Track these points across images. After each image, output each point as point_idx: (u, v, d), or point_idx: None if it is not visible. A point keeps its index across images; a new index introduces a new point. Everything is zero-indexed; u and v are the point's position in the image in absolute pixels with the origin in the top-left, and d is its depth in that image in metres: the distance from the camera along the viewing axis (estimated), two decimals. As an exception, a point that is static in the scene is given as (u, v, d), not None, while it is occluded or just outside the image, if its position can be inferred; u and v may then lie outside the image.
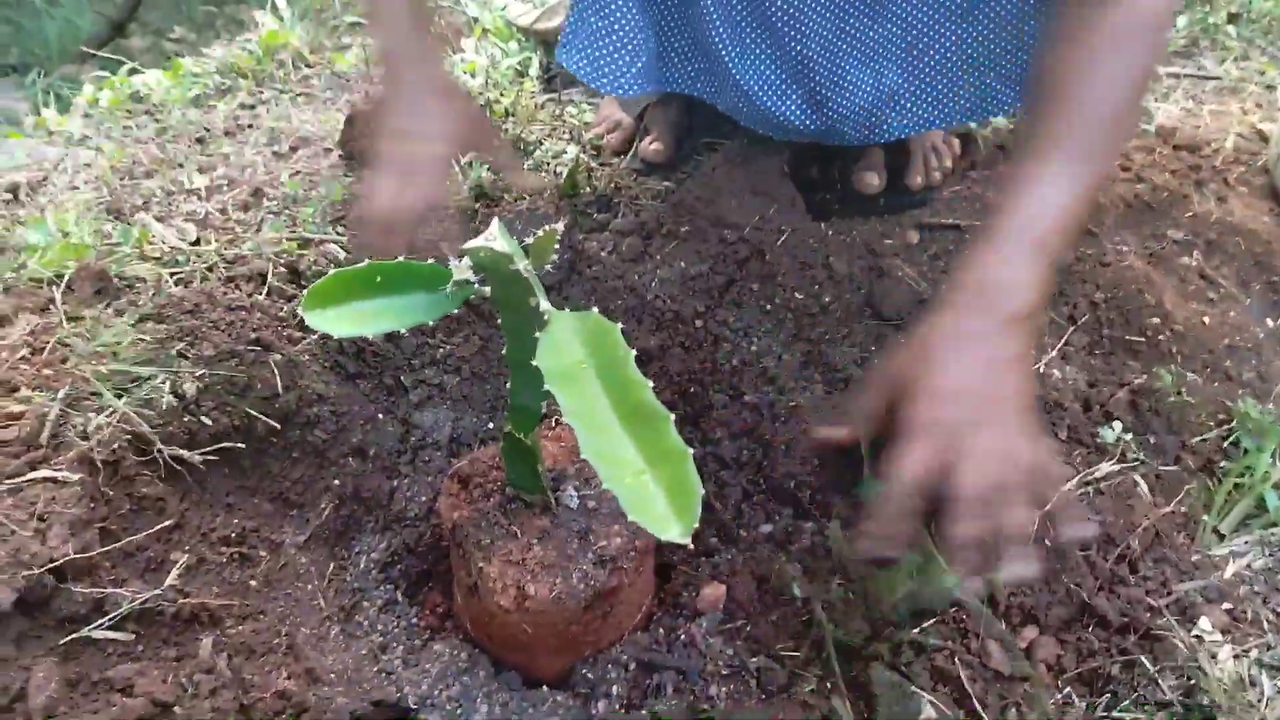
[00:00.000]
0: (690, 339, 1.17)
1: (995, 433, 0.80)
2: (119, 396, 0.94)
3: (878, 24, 1.13)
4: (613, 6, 1.13)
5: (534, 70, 1.68)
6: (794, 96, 1.17)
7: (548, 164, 1.42)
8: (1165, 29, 0.97)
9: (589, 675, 0.93)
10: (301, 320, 1.10)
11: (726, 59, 1.15)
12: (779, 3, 1.11)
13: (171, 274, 1.12)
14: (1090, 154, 0.89)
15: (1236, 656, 0.90)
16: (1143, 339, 1.16)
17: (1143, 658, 0.89)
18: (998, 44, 1.13)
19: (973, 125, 1.44)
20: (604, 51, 1.15)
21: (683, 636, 0.99)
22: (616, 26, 1.14)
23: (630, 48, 1.15)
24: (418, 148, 0.93)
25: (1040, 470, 0.81)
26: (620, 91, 1.17)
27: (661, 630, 0.99)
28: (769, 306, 1.19)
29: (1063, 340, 1.16)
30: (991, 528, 0.77)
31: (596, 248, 1.26)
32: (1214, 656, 0.90)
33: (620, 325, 0.61)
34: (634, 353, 0.59)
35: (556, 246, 0.61)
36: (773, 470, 1.09)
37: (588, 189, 1.37)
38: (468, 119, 1.00)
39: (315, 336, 1.11)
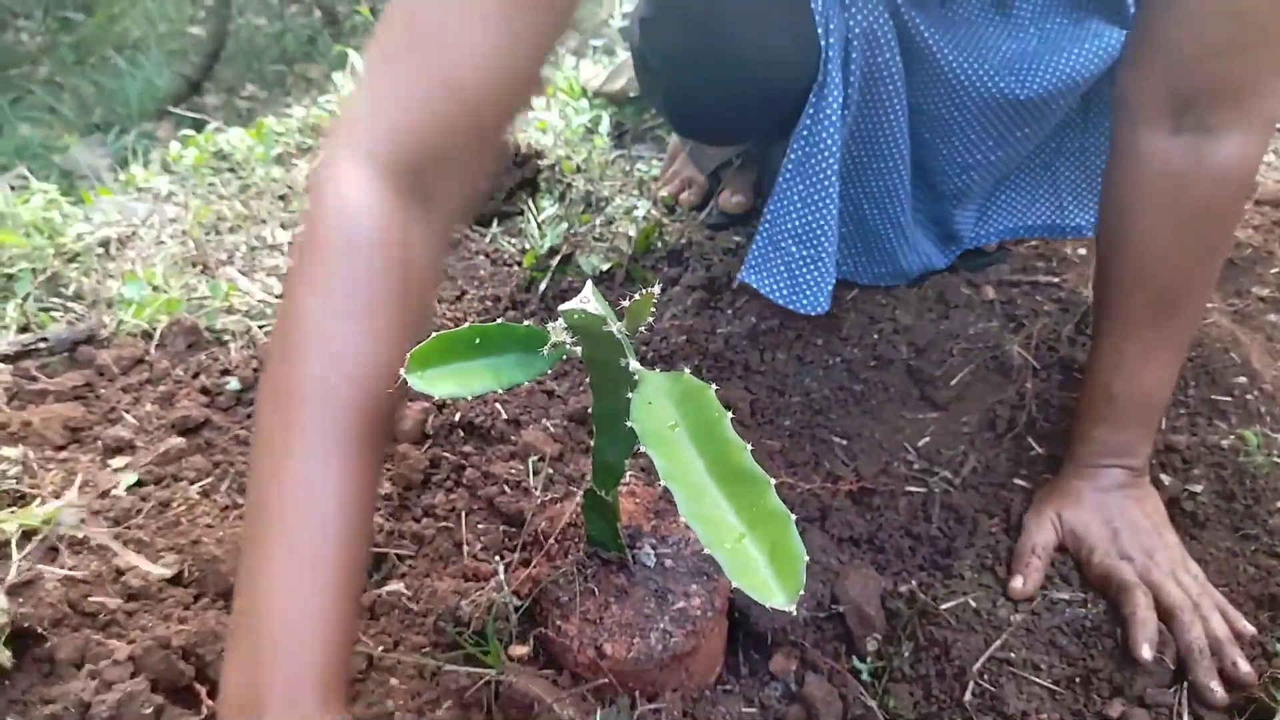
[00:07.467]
0: (753, 388, 1.17)
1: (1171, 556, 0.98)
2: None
3: (999, 166, 1.18)
4: (819, 234, 1.08)
5: (604, 127, 1.71)
6: (934, 243, 1.26)
7: (618, 219, 1.44)
8: (1250, 187, 0.95)
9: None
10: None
11: (904, 228, 1.17)
12: (950, 182, 1.17)
13: (260, 326, 1.16)
14: (1184, 324, 0.97)
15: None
16: (1230, 398, 1.13)
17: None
18: (1064, 164, 1.22)
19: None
20: (803, 276, 1.10)
21: (757, 699, 0.97)
22: (822, 254, 1.09)
23: (828, 265, 1.10)
24: None
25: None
26: (817, 310, 1.11)
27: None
28: (831, 361, 1.18)
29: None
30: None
31: (667, 302, 1.27)
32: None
33: (713, 386, 0.61)
34: (729, 414, 0.59)
35: (652, 309, 0.61)
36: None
37: (659, 244, 1.38)
38: None
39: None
